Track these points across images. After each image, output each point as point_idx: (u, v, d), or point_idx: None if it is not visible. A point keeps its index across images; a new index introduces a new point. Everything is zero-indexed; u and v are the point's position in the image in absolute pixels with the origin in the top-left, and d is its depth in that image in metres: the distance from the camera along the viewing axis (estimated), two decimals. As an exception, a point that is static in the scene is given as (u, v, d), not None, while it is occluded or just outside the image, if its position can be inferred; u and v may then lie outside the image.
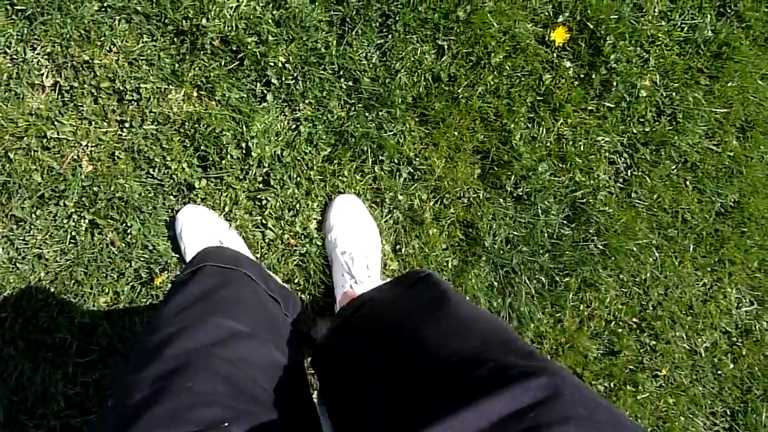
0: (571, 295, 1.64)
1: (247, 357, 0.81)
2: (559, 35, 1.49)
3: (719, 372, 1.79)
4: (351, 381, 0.91)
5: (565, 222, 1.60)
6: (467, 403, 0.54)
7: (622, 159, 1.60)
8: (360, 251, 1.45)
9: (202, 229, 1.39)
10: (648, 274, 1.67)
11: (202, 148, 1.41)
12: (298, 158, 1.45)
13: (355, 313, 1.03)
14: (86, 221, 1.38)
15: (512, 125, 1.51)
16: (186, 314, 0.86)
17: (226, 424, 0.64)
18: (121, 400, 0.70)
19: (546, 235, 1.59)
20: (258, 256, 1.47)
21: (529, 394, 0.54)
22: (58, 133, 1.35)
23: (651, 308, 1.70)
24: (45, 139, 1.35)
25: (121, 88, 1.37)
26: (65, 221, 1.39)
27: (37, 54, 1.35)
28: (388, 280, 1.10)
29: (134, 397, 0.68)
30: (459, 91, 1.47)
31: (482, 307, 0.90)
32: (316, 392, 1.21)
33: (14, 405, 1.43)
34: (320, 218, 1.49)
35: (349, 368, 0.94)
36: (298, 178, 1.45)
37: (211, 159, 1.41)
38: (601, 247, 1.61)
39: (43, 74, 1.35)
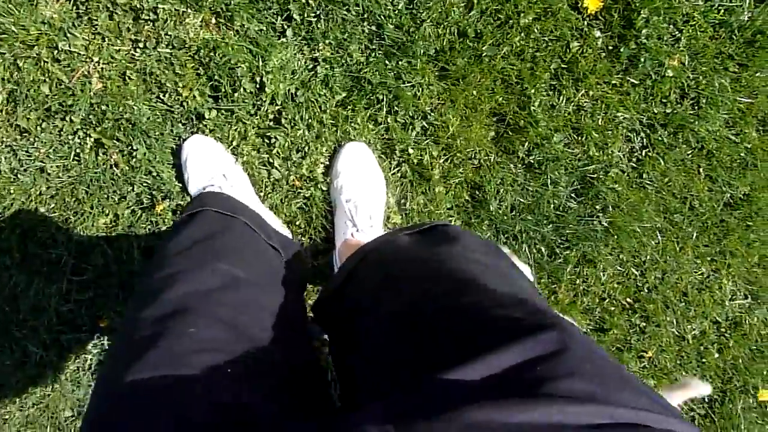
0: (569, 268, 1.64)
1: (248, 303, 0.80)
2: (592, 2, 1.44)
3: (703, 360, 1.81)
4: (355, 328, 0.91)
5: (573, 195, 1.59)
6: (477, 354, 0.53)
7: (639, 138, 1.58)
8: (364, 200, 1.44)
9: (207, 160, 1.37)
10: (648, 257, 1.67)
11: (215, 77, 1.37)
12: (312, 99, 1.42)
13: (358, 265, 1.02)
14: (92, 139, 1.36)
15: (533, 90, 1.48)
16: (185, 256, 0.85)
17: (229, 369, 0.64)
18: (123, 339, 0.71)
19: (552, 206, 1.57)
20: (262, 194, 1.46)
21: (537, 347, 0.54)
22: (69, 46, 1.32)
23: (646, 290, 1.71)
24: (56, 51, 1.32)
25: (138, 5, 1.32)
26: (70, 137, 1.36)
27: (54, -40, 1.30)
28: (391, 229, 1.08)
29: (133, 337, 0.68)
30: (483, 49, 1.43)
31: (499, 260, 0.87)
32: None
33: (6, 315, 1.44)
34: (328, 163, 1.47)
35: (352, 316, 0.94)
36: (310, 120, 1.43)
37: (223, 90, 1.38)
38: (605, 225, 1.60)
39: (59, -18, 1.31)
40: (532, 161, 1.53)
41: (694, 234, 1.67)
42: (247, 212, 1.06)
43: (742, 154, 1.62)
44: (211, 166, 1.36)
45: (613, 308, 1.71)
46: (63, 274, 1.42)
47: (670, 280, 1.71)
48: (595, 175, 1.57)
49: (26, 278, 1.42)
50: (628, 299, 1.71)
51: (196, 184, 1.37)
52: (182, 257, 0.85)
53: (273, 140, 1.43)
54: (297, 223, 1.48)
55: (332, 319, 1.03)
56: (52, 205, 1.39)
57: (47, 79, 1.33)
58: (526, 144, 1.52)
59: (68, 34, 1.31)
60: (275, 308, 0.86)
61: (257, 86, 1.39)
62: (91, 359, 1.49)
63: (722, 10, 1.52)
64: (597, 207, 1.60)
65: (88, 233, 1.42)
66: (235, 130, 1.41)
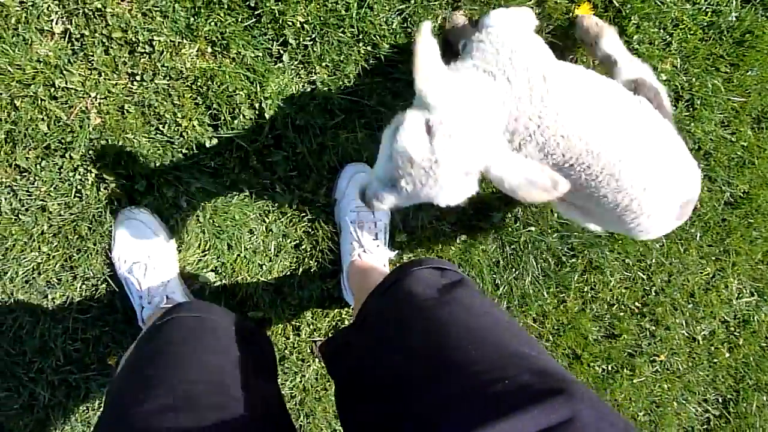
0: (576, 276, 1.64)
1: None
2: (583, 11, 1.46)
3: (715, 360, 1.81)
4: (365, 379, 0.93)
5: (575, 203, 1.59)
6: (484, 421, 0.56)
7: (637, 142, 1.59)
8: (370, 221, 1.43)
9: (135, 240, 1.37)
10: (653, 260, 1.67)
11: (214, 106, 1.37)
12: (311, 122, 1.42)
13: (367, 317, 1.03)
14: (92, 175, 1.35)
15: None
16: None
17: None
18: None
19: (556, 215, 1.57)
20: (267, 221, 1.45)
21: (544, 417, 0.56)
22: (66, 83, 1.31)
23: (653, 294, 1.71)
24: (53, 88, 1.31)
25: (134, 39, 1.32)
26: (71, 174, 1.35)
27: (47, -2, 1.30)
28: (397, 265, 1.10)
29: None
30: (479, 63, 1.44)
31: (497, 309, 0.92)
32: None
33: (12, 357, 1.42)
34: (331, 185, 1.47)
35: (363, 365, 0.95)
36: (311, 143, 1.43)
37: (223, 118, 1.38)
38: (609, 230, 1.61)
39: (52, 20, 1.30)
40: (533, 171, 1.53)
41: (698, 234, 1.68)
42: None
43: (739, 153, 1.63)
44: (140, 242, 1.36)
45: (622, 313, 1.71)
46: (69, 313, 1.40)
47: (677, 282, 1.71)
48: (597, 182, 1.58)
49: (31, 319, 1.40)
50: (636, 303, 1.71)
51: (123, 254, 1.37)
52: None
53: (274, 165, 1.42)
54: (303, 246, 1.47)
55: (341, 365, 1.05)
56: (55, 244, 1.38)
57: (45, 117, 1.32)
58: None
59: (64, 71, 1.31)
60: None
61: (256, 112, 1.39)
62: (101, 399, 1.46)
63: (710, 12, 1.54)
64: (600, 213, 1.60)
65: (93, 270, 1.40)
66: (236, 156, 1.41)
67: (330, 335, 1.22)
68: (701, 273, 1.72)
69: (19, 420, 1.44)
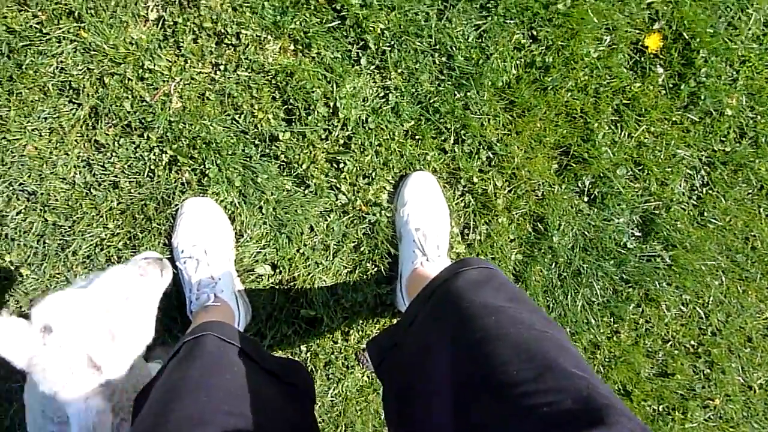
0: (631, 308, 1.60)
1: None
2: (653, 42, 1.50)
3: (771, 413, 1.73)
4: (413, 384, 0.92)
5: (635, 231, 1.58)
6: None
7: (699, 176, 1.59)
8: (433, 230, 1.43)
9: (198, 228, 1.37)
10: (711, 298, 1.63)
11: (290, 101, 1.41)
12: (382, 126, 1.44)
13: (415, 320, 1.02)
14: (167, 156, 1.38)
15: (596, 124, 1.51)
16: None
17: None
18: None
19: (614, 241, 1.56)
20: (329, 219, 1.45)
21: None
22: (154, 65, 1.36)
23: (710, 334, 1.66)
24: (141, 70, 1.36)
25: (222, 31, 1.38)
26: (146, 153, 1.38)
27: (146, -14, 1.37)
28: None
29: None
30: (548, 81, 1.47)
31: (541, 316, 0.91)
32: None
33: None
34: (393, 190, 1.48)
35: (412, 369, 0.95)
36: (379, 146, 1.45)
37: (297, 113, 1.41)
38: (668, 262, 1.58)
39: (149, 6, 1.37)
40: (595, 194, 1.53)
41: (758, 276, 1.64)
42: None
43: (801, 196, 1.62)
44: (199, 236, 1.36)
45: (676, 351, 1.65)
46: (124, 293, 1.40)
47: (735, 324, 1.66)
48: (657, 212, 1.57)
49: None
50: (692, 342, 1.66)
51: (180, 244, 1.38)
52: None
53: (342, 165, 1.44)
54: (362, 248, 1.47)
55: (389, 367, 1.05)
56: (121, 221, 1.39)
57: (130, 96, 1.36)
58: (589, 177, 1.53)
59: (154, 55, 1.36)
60: None
61: (330, 111, 1.42)
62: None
63: (776, 55, 1.57)
64: (659, 244, 1.58)
65: (153, 251, 1.40)
66: (305, 153, 1.43)
67: (376, 335, 1.19)
68: (760, 317, 1.68)
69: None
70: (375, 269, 1.49)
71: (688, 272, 1.60)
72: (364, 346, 1.53)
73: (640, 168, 1.55)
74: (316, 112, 1.41)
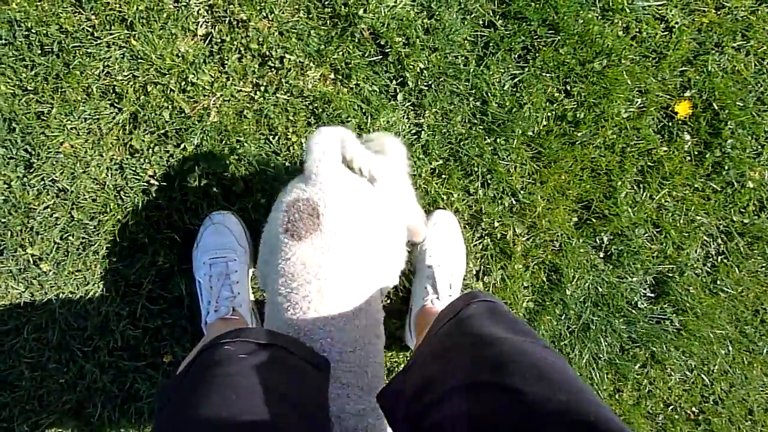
0: (636, 367, 1.60)
1: None
2: (683, 109, 1.53)
3: (766, 490, 1.72)
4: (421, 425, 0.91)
5: (647, 291, 1.59)
6: None
7: (716, 244, 1.61)
8: (448, 268, 1.44)
9: (222, 240, 1.38)
10: (717, 366, 1.64)
11: (324, 128, 1.44)
12: (410, 163, 1.47)
13: (415, 360, 1.01)
14: (199, 168, 1.40)
15: (619, 183, 1.53)
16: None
17: None
18: None
19: (626, 300, 1.57)
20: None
21: None
22: (197, 79, 1.39)
23: (712, 402, 1.65)
24: (184, 82, 1.39)
25: (267, 53, 1.41)
26: (178, 163, 1.40)
27: (199, 2, 1.41)
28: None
29: None
30: (578, 135, 1.50)
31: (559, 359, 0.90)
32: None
33: (71, 330, 1.41)
34: (415, 225, 1.50)
35: (416, 413, 0.93)
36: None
37: (330, 140, 1.44)
38: (677, 326, 1.59)
39: (198, 22, 1.41)
40: (612, 251, 1.55)
41: (765, 349, 1.65)
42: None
43: (815, 274, 1.63)
44: (221, 250, 1.37)
45: (677, 416, 1.65)
46: (138, 298, 1.41)
47: (738, 395, 1.66)
48: (671, 275, 1.58)
49: (101, 295, 1.41)
50: (693, 409, 1.66)
51: (203, 256, 1.38)
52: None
53: (367, 195, 1.46)
54: (377, 279, 1.48)
55: (397, 416, 1.02)
56: (144, 228, 1.41)
57: (170, 107, 1.39)
58: (608, 234, 1.55)
59: (198, 69, 1.40)
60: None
61: (362, 141, 1.45)
62: (143, 392, 1.43)
63: (801, 134, 1.60)
64: (670, 307, 1.59)
65: (172, 261, 1.42)
66: (333, 180, 1.45)
67: (387, 383, 1.18)
68: (763, 391, 1.68)
69: (62, 396, 1.41)
70: (388, 302, 1.49)
71: (696, 338, 1.60)
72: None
73: (658, 230, 1.57)
74: (348, 141, 1.44)
